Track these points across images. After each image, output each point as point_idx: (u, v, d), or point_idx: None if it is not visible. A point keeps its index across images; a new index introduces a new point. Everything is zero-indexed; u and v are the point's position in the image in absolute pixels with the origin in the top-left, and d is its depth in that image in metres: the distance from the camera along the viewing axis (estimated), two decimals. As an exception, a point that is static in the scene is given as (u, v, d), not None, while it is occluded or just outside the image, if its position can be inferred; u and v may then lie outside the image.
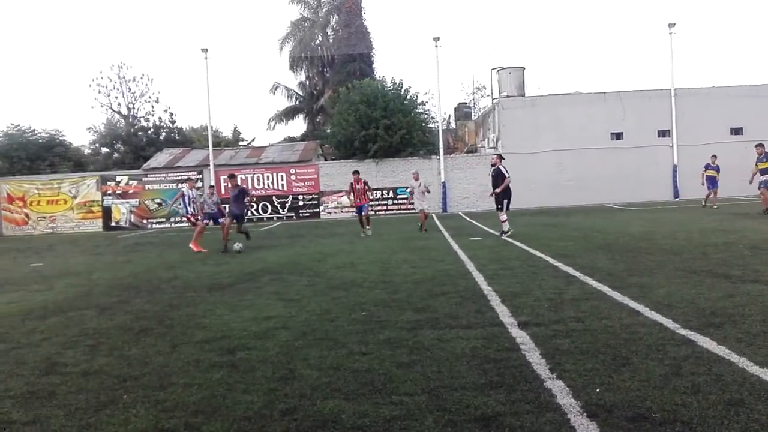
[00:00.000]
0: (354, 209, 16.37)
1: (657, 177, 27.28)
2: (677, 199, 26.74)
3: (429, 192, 16.75)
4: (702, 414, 2.95)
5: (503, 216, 13.24)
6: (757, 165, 16.20)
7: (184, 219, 15.83)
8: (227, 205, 15.07)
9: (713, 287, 6.09)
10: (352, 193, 15.56)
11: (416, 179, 16.30)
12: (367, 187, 15.76)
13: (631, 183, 26.94)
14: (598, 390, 3.35)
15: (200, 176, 26.98)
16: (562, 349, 4.20)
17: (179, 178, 26.68)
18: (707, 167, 19.96)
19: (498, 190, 13.13)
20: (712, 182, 19.61)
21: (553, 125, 27.28)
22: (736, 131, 27.51)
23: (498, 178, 13.24)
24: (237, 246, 12.59)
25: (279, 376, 3.96)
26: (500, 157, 13.63)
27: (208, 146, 28.54)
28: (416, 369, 3.93)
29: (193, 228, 14.77)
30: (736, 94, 27.35)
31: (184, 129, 43.12)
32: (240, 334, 5.17)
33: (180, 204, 15.00)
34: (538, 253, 9.65)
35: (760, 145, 16.24)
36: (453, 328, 4.97)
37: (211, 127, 29.86)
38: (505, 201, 13.21)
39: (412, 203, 17.00)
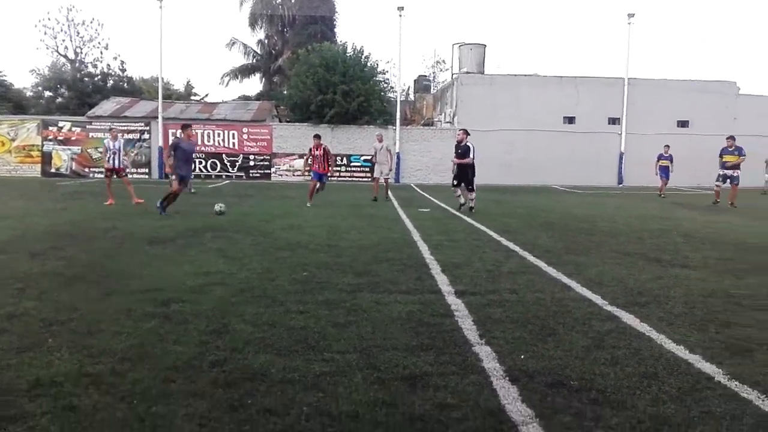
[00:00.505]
0: (309, 173, 14.39)
1: (604, 163, 28.06)
2: (621, 185, 27.61)
3: (390, 154, 16.39)
4: (617, 384, 3.10)
5: (471, 195, 12.60)
6: (724, 156, 16.24)
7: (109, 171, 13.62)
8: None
9: (644, 269, 6.36)
10: (310, 158, 13.98)
11: (380, 141, 16.10)
12: (329, 156, 14.03)
13: (580, 167, 27.61)
14: (522, 357, 3.48)
15: (148, 128, 26.16)
16: (493, 317, 4.32)
17: (126, 128, 25.79)
18: (660, 157, 20.13)
19: (467, 161, 12.45)
20: (664, 172, 19.88)
21: (509, 105, 27.57)
22: (683, 124, 28.49)
23: (465, 156, 12.62)
24: (218, 207, 11.15)
25: (212, 329, 3.94)
26: (466, 133, 13.05)
27: (158, 98, 27.56)
28: (351, 329, 3.98)
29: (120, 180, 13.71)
30: (685, 88, 28.25)
31: (134, 78, 41.51)
32: (176, 287, 5.10)
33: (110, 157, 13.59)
34: (483, 228, 9.83)
35: (731, 137, 16.31)
36: (392, 293, 5.03)
37: (162, 79, 28.82)
38: (471, 178, 12.59)
39: (371, 169, 16.81)
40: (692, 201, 17.45)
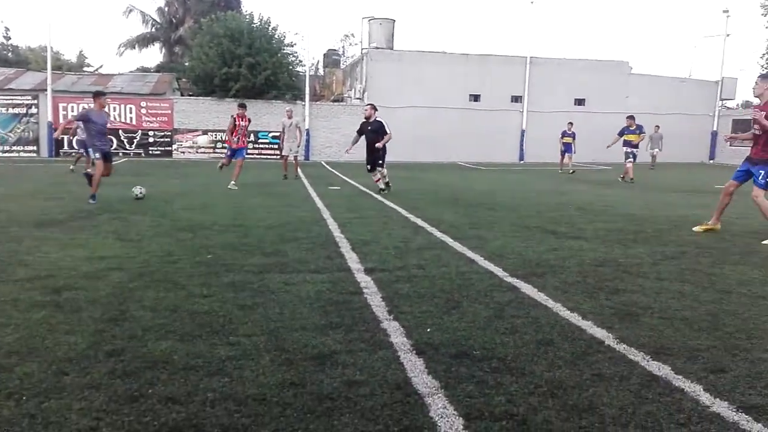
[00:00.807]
0: (226, 151, 13.00)
1: (507, 140, 29.12)
2: (522, 161, 28.80)
3: (300, 131, 16.11)
4: (516, 351, 3.25)
5: (383, 171, 11.82)
6: (624, 135, 16.64)
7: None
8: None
9: (541, 241, 6.68)
10: (234, 131, 12.50)
11: (289, 117, 15.74)
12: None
13: (484, 144, 28.48)
14: (428, 330, 3.56)
15: (35, 101, 24.21)
16: (401, 293, 4.40)
17: (11, 101, 23.75)
18: (564, 134, 20.61)
19: (379, 145, 11.40)
20: (567, 148, 20.37)
21: (417, 81, 27.85)
22: (580, 102, 30.01)
23: (379, 133, 11.46)
24: (138, 191, 9.96)
25: (108, 317, 3.73)
26: (374, 108, 11.83)
27: (47, 69, 25.51)
28: (258, 311, 3.91)
29: None
30: (582, 68, 29.71)
31: (19, 48, 38.17)
32: (68, 274, 4.78)
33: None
34: (392, 205, 9.94)
35: (631, 117, 16.77)
36: (301, 273, 4.99)
37: (51, 48, 26.60)
38: (382, 155, 11.73)
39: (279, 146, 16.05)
40: (588, 176, 18.49)
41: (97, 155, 9.37)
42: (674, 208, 10.08)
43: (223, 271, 4.99)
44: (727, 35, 31.17)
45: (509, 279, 4.90)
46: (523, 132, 29.30)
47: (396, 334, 3.48)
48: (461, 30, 78.54)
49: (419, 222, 7.96)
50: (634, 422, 2.45)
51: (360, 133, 11.99)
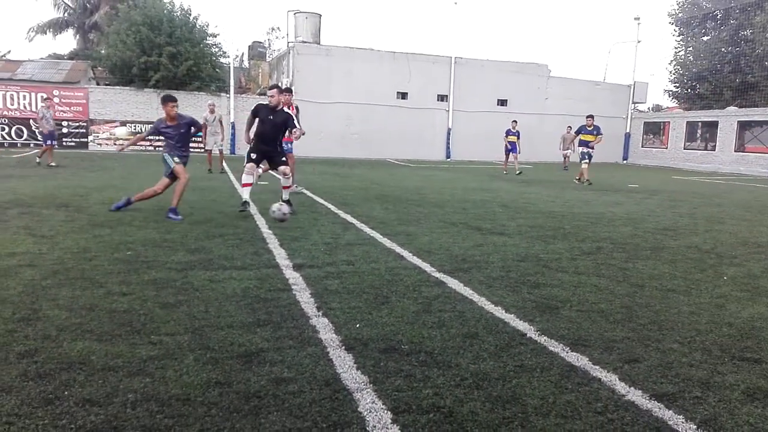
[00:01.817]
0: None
1: (434, 138, 29.59)
2: (449, 159, 29.35)
3: (223, 125, 15.54)
4: (443, 345, 3.31)
5: (288, 175, 8.54)
6: (581, 135, 16.40)
7: None
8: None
9: (467, 237, 6.84)
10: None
11: (212, 111, 15.33)
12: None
13: (412, 141, 28.82)
14: (358, 326, 3.57)
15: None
16: (331, 289, 4.38)
17: None
18: (508, 133, 19.97)
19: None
20: (513, 147, 19.79)
21: (345, 77, 27.79)
22: (502, 102, 30.88)
23: (284, 128, 8.27)
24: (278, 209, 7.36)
25: (20, 317, 3.51)
26: (282, 92, 8.55)
27: (-56, 51, 23.59)
28: (182, 309, 3.78)
29: None
30: (504, 69, 30.60)
31: None
32: (-28, 272, 4.45)
33: None
34: (322, 201, 9.88)
35: (590, 117, 16.47)
36: (227, 269, 4.87)
37: (-51, 29, 24.61)
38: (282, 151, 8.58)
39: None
40: (511, 175, 19.06)
41: (176, 159, 8.10)
42: (591, 206, 10.57)
43: (144, 268, 4.79)
44: (639, 41, 33.00)
45: (436, 274, 4.98)
46: (449, 130, 29.85)
47: (325, 330, 3.47)
48: (388, 27, 79.07)
49: (349, 218, 7.95)
50: (555, 411, 2.56)
51: (255, 116, 8.35)
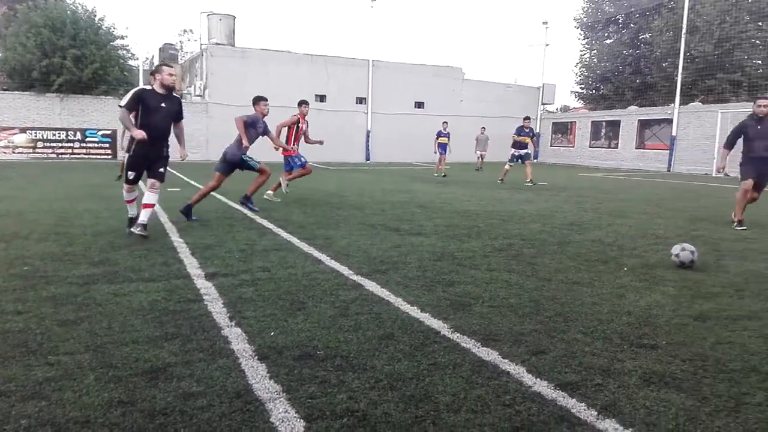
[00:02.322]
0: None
1: (353, 140, 29.69)
2: (369, 161, 29.52)
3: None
4: (359, 348, 3.31)
5: (154, 194, 6.80)
6: (517, 136, 16.39)
7: None
8: None
9: (385, 239, 6.89)
10: (293, 134, 10.83)
11: None
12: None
13: (332, 144, 28.67)
14: (272, 334, 3.50)
15: None
16: (245, 297, 4.28)
17: None
18: (439, 134, 20.09)
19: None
20: (443, 148, 19.91)
21: (262, 80, 27.34)
22: (419, 105, 31.43)
23: (177, 117, 6.89)
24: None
25: None
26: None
27: None
28: (82, 326, 3.57)
29: None
30: (421, 72, 31.16)
31: None
32: None
33: None
34: (237, 206, 9.66)
35: (528, 119, 16.70)
36: (133, 282, 4.65)
37: None
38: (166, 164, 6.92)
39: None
40: (429, 175, 19.40)
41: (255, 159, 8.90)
42: (503, 204, 10.93)
43: (43, 284, 4.49)
44: (547, 45, 34.52)
45: (354, 277, 4.98)
46: (368, 133, 30.02)
47: (238, 340, 3.38)
48: (305, 29, 78.56)
49: (266, 223, 7.81)
50: (466, 407, 2.61)
51: (138, 103, 6.38)
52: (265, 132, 9.06)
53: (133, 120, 6.41)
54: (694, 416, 2.57)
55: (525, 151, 16.32)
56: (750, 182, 8.43)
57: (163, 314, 3.84)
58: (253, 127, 8.94)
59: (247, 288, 4.54)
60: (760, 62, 28.89)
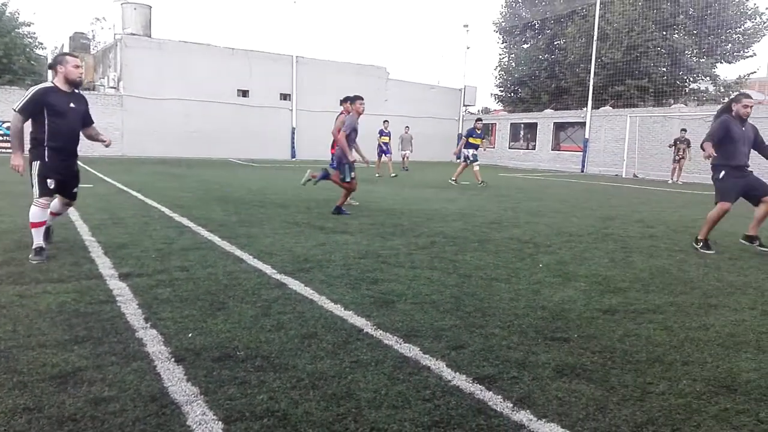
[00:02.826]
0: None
1: (278, 137, 29.29)
2: (294, 158, 29.22)
3: None
4: (281, 348, 3.28)
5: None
6: (470, 138, 16.29)
7: None
8: None
9: (310, 237, 6.84)
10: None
11: None
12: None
13: (256, 140, 28.24)
14: (190, 335, 3.40)
15: None
16: (161, 298, 4.13)
17: None
18: (381, 133, 19.93)
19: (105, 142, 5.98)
20: (387, 148, 19.66)
21: (180, 73, 26.48)
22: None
23: (86, 118, 5.65)
24: None
25: None
26: (52, 66, 5.48)
27: None
28: (-17, 331, 3.34)
29: None
30: (346, 70, 31.14)
31: None
32: None
33: None
34: (154, 203, 9.31)
35: (479, 120, 16.71)
36: (40, 283, 4.39)
37: None
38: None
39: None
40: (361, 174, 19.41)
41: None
42: (427, 203, 11.12)
43: (-65, 287, 4.16)
44: (468, 48, 35.38)
45: (277, 276, 4.92)
46: (293, 129, 29.70)
47: (153, 342, 3.26)
48: (226, 23, 76.70)
49: (185, 221, 7.57)
50: (387, 403, 2.64)
51: (40, 106, 5.13)
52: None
53: (45, 128, 5.15)
54: (603, 405, 2.72)
55: (473, 151, 16.30)
56: (730, 206, 6.77)
57: (73, 316, 3.65)
58: (355, 132, 9.05)
59: (163, 288, 4.39)
60: (664, 69, 30.84)
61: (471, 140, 16.33)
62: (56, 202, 5.65)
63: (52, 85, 5.27)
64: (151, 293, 4.24)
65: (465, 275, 5.18)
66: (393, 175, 18.60)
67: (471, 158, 16.13)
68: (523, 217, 9.37)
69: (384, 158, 19.59)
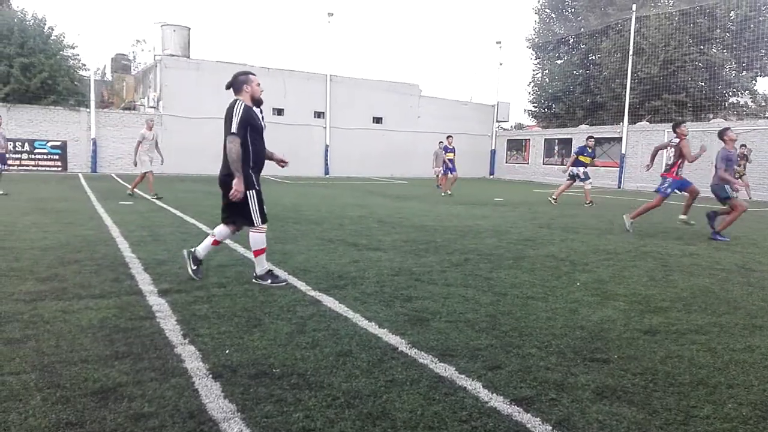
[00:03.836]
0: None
1: (312, 154, 29.63)
2: (327, 175, 29.47)
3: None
4: (316, 365, 3.28)
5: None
6: (580, 156, 15.69)
7: None
8: None
9: (344, 254, 6.87)
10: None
11: (150, 129, 14.09)
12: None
13: (290, 158, 28.45)
14: (227, 351, 3.44)
15: None
16: (199, 314, 4.19)
17: None
18: (446, 149, 19.04)
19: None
20: (452, 166, 18.89)
21: (217, 92, 26.94)
22: (377, 120, 31.62)
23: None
24: None
25: None
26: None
27: None
28: (29, 345, 3.44)
29: None
30: (378, 88, 31.39)
31: None
32: None
33: None
34: (192, 220, 9.49)
35: (591, 138, 15.95)
36: (82, 299, 4.50)
37: None
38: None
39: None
40: (381, 189, 19.48)
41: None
42: (460, 219, 11.06)
43: (-16, 302, 4.30)
44: (501, 64, 35.30)
45: (312, 293, 4.95)
46: (327, 147, 30.00)
47: (191, 359, 3.30)
48: (261, 43, 78.28)
49: (220, 238, 7.68)
50: (423, 423, 2.62)
51: (246, 124, 5.09)
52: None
53: (250, 149, 5.03)
54: (645, 429, 2.64)
55: (583, 169, 15.73)
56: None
57: (114, 332, 3.73)
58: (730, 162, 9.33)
59: (201, 305, 4.45)
60: (702, 84, 30.25)
61: (581, 158, 15.71)
62: (224, 229, 5.44)
63: (242, 101, 5.07)
64: (189, 309, 4.30)
65: (500, 293, 5.12)
66: (448, 193, 18.13)
67: (582, 176, 15.74)
68: (558, 234, 9.24)
69: (450, 175, 18.82)
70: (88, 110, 24.60)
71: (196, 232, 8.30)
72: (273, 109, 28.69)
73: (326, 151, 30.01)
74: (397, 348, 3.62)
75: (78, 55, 26.49)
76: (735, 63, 30.06)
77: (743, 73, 30.38)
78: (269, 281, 5.20)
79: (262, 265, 5.27)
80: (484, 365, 3.36)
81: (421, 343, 3.72)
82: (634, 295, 5.22)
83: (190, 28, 29.27)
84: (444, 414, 2.72)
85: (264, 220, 5.27)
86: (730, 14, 29.19)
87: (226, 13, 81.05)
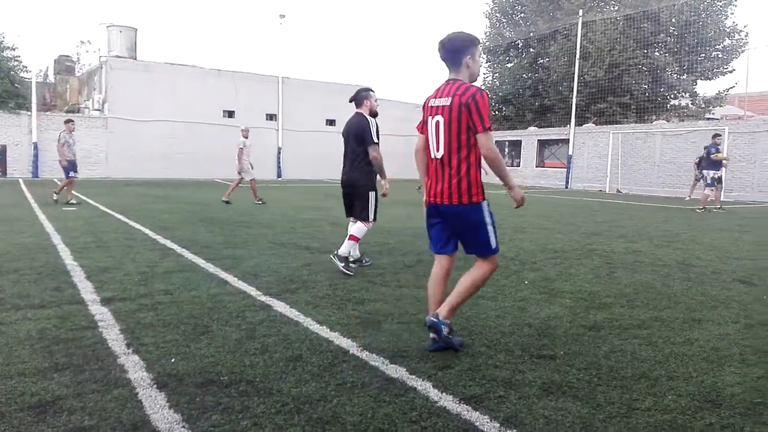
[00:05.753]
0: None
1: (264, 157, 29.24)
2: (280, 178, 29.18)
3: None
4: (266, 371, 3.23)
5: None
6: (713, 155, 14.41)
7: None
8: None
9: (296, 257, 6.81)
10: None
11: (245, 136, 14.71)
12: None
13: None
14: (173, 360, 3.35)
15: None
16: (144, 323, 4.07)
17: None
18: (711, 149, 15.75)
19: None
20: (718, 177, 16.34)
21: (167, 94, 26.47)
22: (331, 122, 31.50)
23: None
24: None
25: None
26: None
27: None
28: (-40, 360, 3.27)
29: None
30: (331, 90, 31.28)
31: None
32: None
33: None
34: (138, 226, 9.24)
35: (718, 135, 15.02)
36: (20, 309, 4.32)
37: None
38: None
39: None
40: (337, 192, 19.39)
41: None
42: (413, 221, 11.12)
43: None
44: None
45: (262, 298, 4.88)
46: (279, 149, 29.71)
47: (135, 369, 3.21)
48: (212, 45, 76.98)
49: (168, 244, 7.51)
50: (373, 426, 2.61)
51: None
52: None
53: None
54: (590, 423, 2.71)
55: (720, 173, 14.56)
56: None
57: (53, 343, 3.59)
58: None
59: (146, 313, 4.33)
60: (645, 86, 31.31)
61: (715, 156, 14.39)
62: (353, 224, 6.35)
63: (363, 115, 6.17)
64: (133, 318, 4.18)
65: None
66: (719, 207, 16.57)
67: (709, 181, 14.46)
68: (507, 234, 9.39)
69: (708, 191, 16.90)
70: (29, 113, 23.65)
71: (142, 237, 8.08)
72: (224, 111, 28.26)
73: (279, 153, 29.71)
74: (349, 351, 3.60)
75: (19, 56, 25.51)
76: (677, 66, 31.23)
77: (684, 77, 31.58)
78: (342, 264, 5.86)
79: (348, 249, 6.01)
80: (435, 365, 3.38)
81: (372, 345, 3.72)
82: (579, 292, 5.36)
83: (137, 29, 28.55)
84: (394, 415, 2.72)
85: (374, 218, 6.21)
86: (672, 19, 30.31)
87: (175, 14, 79.42)
